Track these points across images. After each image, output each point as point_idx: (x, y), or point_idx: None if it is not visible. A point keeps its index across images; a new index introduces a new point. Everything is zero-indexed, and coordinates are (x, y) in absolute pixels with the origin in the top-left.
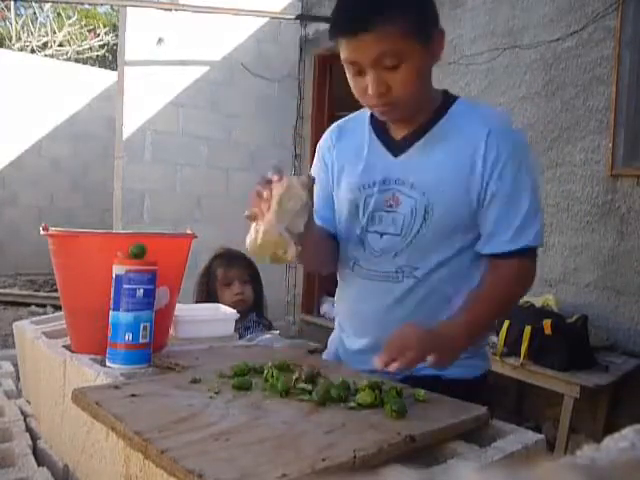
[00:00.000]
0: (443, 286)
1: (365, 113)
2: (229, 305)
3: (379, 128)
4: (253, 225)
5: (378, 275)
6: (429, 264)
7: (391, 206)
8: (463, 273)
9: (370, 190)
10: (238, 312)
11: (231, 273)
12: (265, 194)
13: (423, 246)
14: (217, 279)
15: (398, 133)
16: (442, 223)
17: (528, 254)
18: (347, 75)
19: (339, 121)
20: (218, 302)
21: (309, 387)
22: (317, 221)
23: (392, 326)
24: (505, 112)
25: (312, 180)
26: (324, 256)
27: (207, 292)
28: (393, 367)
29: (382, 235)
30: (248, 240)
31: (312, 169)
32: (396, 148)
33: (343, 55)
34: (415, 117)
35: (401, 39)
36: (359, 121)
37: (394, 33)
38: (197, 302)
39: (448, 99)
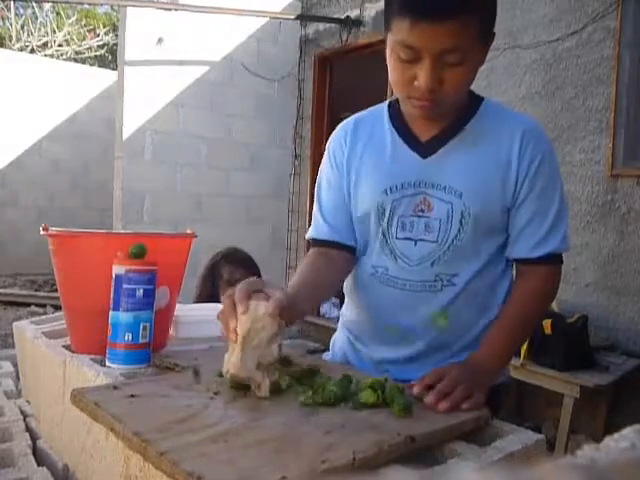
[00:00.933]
0: (480, 294)
1: (381, 110)
2: None
3: (402, 127)
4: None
5: (415, 285)
6: (468, 271)
7: (422, 211)
8: (496, 280)
9: (398, 194)
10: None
11: (238, 274)
12: (231, 326)
13: (461, 252)
14: (222, 278)
15: (424, 133)
16: (479, 227)
17: (554, 260)
18: (389, 59)
19: (351, 118)
20: (219, 300)
21: (301, 387)
22: (325, 230)
23: (432, 336)
24: (533, 117)
25: (282, 302)
26: (322, 299)
27: (210, 289)
28: (429, 399)
29: (416, 242)
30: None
31: (321, 172)
32: (424, 149)
33: (402, 36)
34: (443, 117)
35: (473, 38)
36: (376, 119)
37: (470, 29)
38: (198, 297)
39: (475, 99)
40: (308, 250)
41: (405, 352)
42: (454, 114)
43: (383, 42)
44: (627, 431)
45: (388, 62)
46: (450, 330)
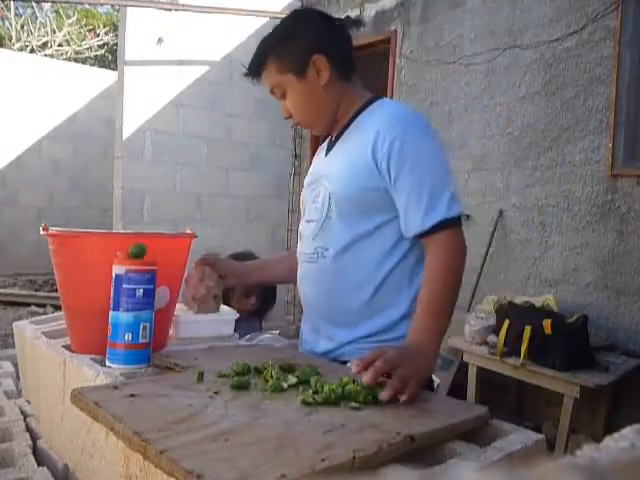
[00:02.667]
0: (349, 269)
1: None
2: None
3: (329, 136)
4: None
5: (305, 256)
6: (337, 246)
7: (317, 197)
8: (379, 260)
9: (307, 187)
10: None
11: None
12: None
13: (331, 228)
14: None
15: (335, 134)
16: (343, 206)
17: (449, 226)
18: None
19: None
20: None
21: (301, 386)
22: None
23: (315, 304)
24: (409, 106)
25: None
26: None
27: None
28: (368, 377)
29: (309, 222)
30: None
31: None
32: (329, 148)
33: None
34: (341, 121)
35: (278, 75)
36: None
37: (272, 72)
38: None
39: (370, 102)
40: None
41: (308, 321)
42: (345, 119)
43: (383, 42)
44: (627, 431)
45: None
46: (322, 299)
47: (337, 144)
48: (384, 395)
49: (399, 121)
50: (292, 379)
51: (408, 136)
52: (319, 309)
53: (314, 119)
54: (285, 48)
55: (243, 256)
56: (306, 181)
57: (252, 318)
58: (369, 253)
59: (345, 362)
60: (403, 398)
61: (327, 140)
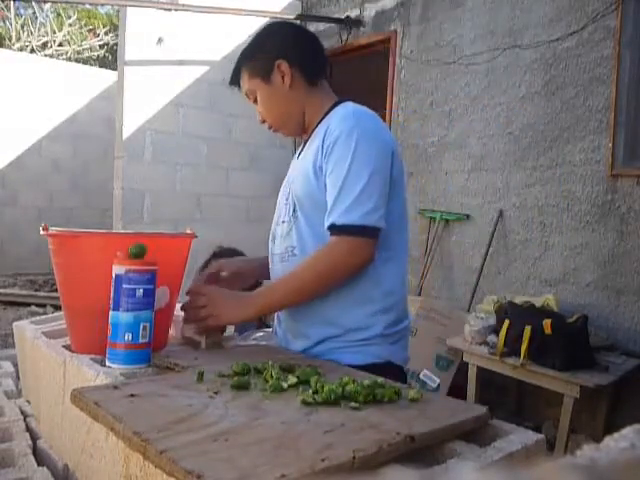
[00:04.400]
0: None
1: None
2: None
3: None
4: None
5: (276, 257)
6: (303, 245)
7: (287, 199)
8: None
9: (281, 190)
10: None
11: None
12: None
13: (297, 228)
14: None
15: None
16: (304, 208)
17: (338, 230)
18: None
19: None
20: None
21: (293, 381)
22: None
23: (290, 309)
24: (363, 108)
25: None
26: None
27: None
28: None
29: (282, 223)
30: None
31: None
32: (300, 152)
33: None
34: (309, 126)
35: (248, 81)
36: None
37: (245, 79)
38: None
39: (335, 105)
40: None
41: (282, 319)
42: (313, 122)
43: (383, 42)
44: (627, 431)
45: None
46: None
47: (305, 147)
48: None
49: (345, 120)
50: (292, 379)
51: (351, 135)
52: (291, 307)
53: (283, 121)
54: (254, 56)
55: (228, 252)
56: (283, 183)
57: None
58: None
59: (329, 362)
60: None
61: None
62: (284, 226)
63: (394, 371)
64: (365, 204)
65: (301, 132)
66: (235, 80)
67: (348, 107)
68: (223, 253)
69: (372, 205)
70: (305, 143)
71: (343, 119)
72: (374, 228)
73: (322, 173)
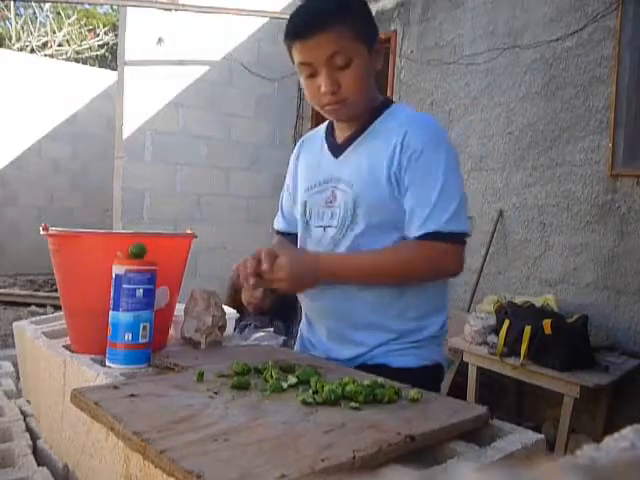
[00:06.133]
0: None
1: (324, 125)
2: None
3: (330, 133)
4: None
5: None
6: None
7: (331, 202)
8: None
9: (314, 190)
10: (245, 313)
11: None
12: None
13: (357, 237)
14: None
15: (341, 136)
16: (370, 216)
17: (442, 238)
18: (300, 79)
19: (305, 135)
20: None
21: (292, 381)
22: (282, 224)
23: (336, 311)
24: (430, 115)
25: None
26: None
27: (237, 289)
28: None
29: (325, 229)
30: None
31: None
32: (338, 149)
33: (298, 58)
34: (359, 119)
35: (351, 40)
36: (318, 134)
37: (346, 34)
38: (228, 296)
39: (386, 104)
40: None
41: (322, 331)
42: (364, 117)
43: (383, 42)
44: (627, 431)
45: (302, 85)
46: (345, 306)
47: (351, 147)
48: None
49: (420, 132)
50: (292, 379)
51: (427, 148)
52: (341, 315)
53: (363, 98)
54: (367, 20)
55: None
56: (304, 182)
57: (261, 317)
58: None
59: (377, 366)
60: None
61: (319, 142)
62: (330, 232)
63: (440, 372)
64: (464, 212)
65: (357, 117)
66: (329, 21)
67: (415, 115)
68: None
69: (454, 210)
70: (342, 142)
71: (425, 128)
72: (468, 235)
73: (398, 180)
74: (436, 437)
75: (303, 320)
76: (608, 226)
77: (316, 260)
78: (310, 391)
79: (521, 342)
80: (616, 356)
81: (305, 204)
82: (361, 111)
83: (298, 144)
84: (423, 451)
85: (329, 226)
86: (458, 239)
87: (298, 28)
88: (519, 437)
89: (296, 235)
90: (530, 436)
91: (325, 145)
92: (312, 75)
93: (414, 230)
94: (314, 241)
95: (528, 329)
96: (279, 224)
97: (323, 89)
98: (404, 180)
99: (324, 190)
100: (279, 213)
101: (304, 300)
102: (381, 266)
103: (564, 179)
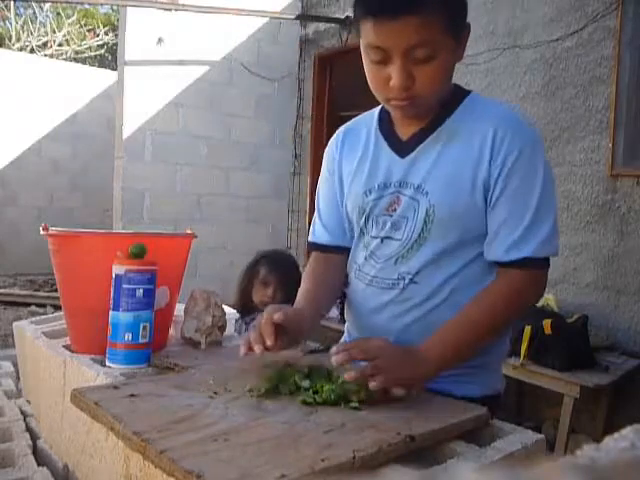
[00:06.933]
0: (453, 297)
1: (372, 114)
2: (258, 302)
3: (386, 128)
4: None
5: (380, 282)
6: (434, 272)
7: (395, 210)
8: (476, 282)
9: (375, 194)
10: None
11: (273, 276)
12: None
13: (427, 253)
14: (258, 276)
15: (405, 132)
16: (446, 228)
17: (532, 265)
18: (365, 61)
19: (345, 125)
20: (251, 297)
21: (306, 384)
22: (323, 235)
23: (402, 334)
24: (516, 107)
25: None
26: (328, 305)
27: (247, 285)
28: (337, 357)
29: (383, 240)
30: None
31: (319, 181)
32: (403, 148)
33: (369, 38)
34: (428, 115)
35: (442, 33)
36: (366, 123)
37: (438, 24)
38: (237, 292)
39: (459, 95)
40: (308, 254)
41: None
42: (436, 111)
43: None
44: (627, 431)
45: (365, 67)
46: (412, 329)
47: (421, 147)
48: (348, 375)
49: (516, 133)
50: (305, 383)
51: (524, 154)
52: (408, 339)
53: (438, 97)
54: (457, 8)
55: (275, 253)
56: (357, 184)
57: (253, 312)
58: (471, 278)
59: (439, 393)
60: (372, 384)
61: (368, 134)
62: (393, 245)
63: (499, 403)
64: (557, 231)
65: (426, 113)
66: (410, 8)
67: (505, 111)
68: (269, 254)
69: (547, 232)
70: (407, 139)
71: (519, 129)
72: (548, 256)
73: (487, 192)
74: (436, 437)
75: (355, 336)
76: (608, 226)
77: (422, 355)
78: (310, 391)
79: (521, 342)
80: (616, 356)
81: (363, 209)
82: (431, 108)
83: (338, 137)
84: (423, 451)
85: (389, 238)
86: (547, 263)
87: (378, 5)
88: (519, 437)
89: (341, 248)
90: (530, 436)
91: (382, 141)
92: (382, 62)
93: (500, 254)
94: (368, 253)
95: (528, 329)
96: (320, 237)
97: (394, 82)
98: (493, 192)
99: (385, 195)
100: (318, 222)
101: (351, 320)
102: (477, 332)
103: (564, 179)
